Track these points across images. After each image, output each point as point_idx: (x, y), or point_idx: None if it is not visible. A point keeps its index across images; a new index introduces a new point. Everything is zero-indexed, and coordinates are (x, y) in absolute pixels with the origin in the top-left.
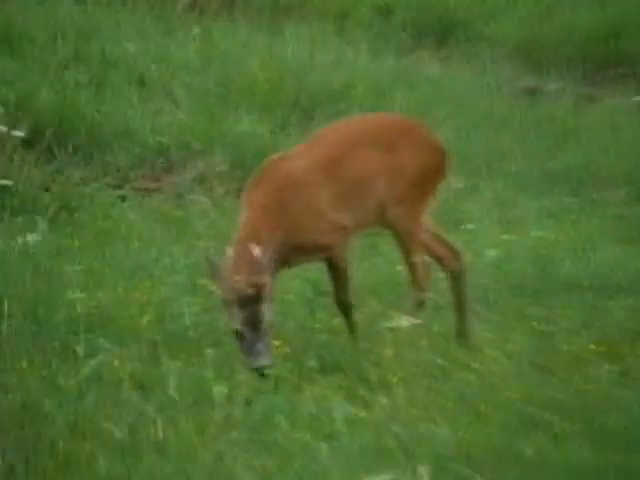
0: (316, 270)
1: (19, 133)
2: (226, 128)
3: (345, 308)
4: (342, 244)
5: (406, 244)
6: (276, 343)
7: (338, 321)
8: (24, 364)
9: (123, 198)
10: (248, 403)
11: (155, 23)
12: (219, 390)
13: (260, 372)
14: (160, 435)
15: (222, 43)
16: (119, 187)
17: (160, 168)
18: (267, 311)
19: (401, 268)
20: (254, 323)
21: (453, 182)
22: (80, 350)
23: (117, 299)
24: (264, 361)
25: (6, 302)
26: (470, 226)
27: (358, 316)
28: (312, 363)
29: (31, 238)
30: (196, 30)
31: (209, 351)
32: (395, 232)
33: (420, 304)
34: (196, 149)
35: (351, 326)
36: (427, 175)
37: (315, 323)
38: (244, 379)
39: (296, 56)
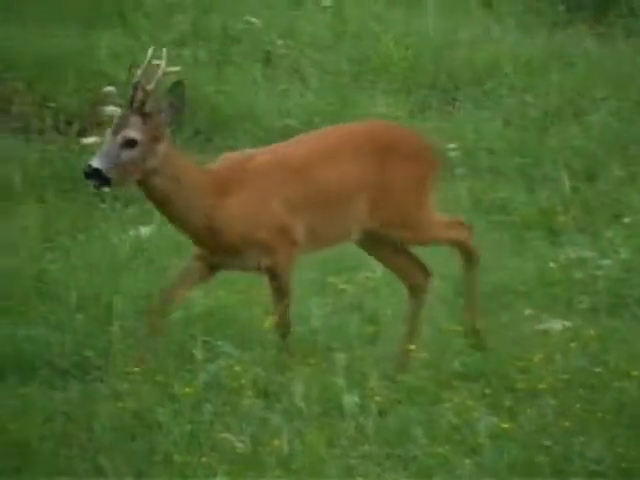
0: (456, 267)
1: None
2: (358, 110)
3: (281, 328)
4: (287, 253)
5: (433, 243)
6: (412, 348)
7: (481, 323)
8: (137, 369)
9: None
10: (382, 414)
11: None
12: (350, 399)
13: (85, 172)
14: (285, 448)
15: (355, 17)
16: None
17: None
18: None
19: (553, 265)
20: (118, 128)
21: (613, 170)
22: (198, 354)
23: (238, 298)
24: (94, 162)
25: (117, 301)
26: (629, 219)
27: (505, 318)
28: (452, 369)
29: (144, 231)
30: (327, 2)
31: (339, 356)
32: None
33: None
34: None
35: (287, 349)
36: (421, 183)
37: (456, 326)
38: (377, 387)
39: (436, 31)
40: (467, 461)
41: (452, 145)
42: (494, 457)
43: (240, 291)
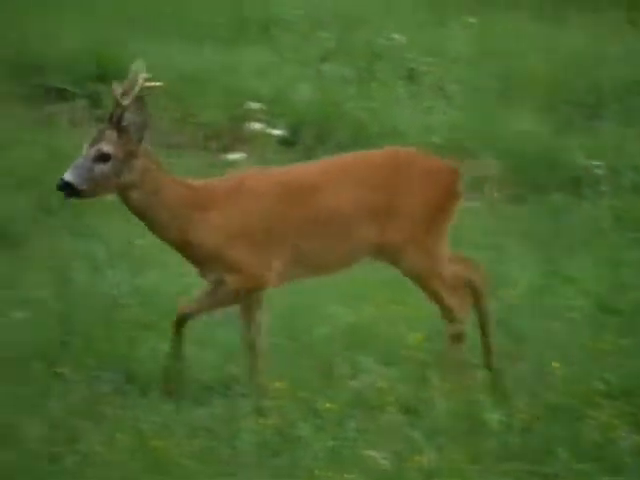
0: (600, 285)
1: (277, 131)
2: (502, 127)
3: (179, 320)
4: (251, 277)
5: (432, 288)
6: (556, 365)
7: (627, 341)
8: (281, 384)
9: None
10: (525, 431)
11: (427, 12)
12: (493, 416)
13: (57, 184)
14: (428, 464)
15: (500, 34)
16: None
17: None
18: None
19: None
20: (93, 141)
21: None
22: (341, 370)
23: (381, 314)
24: (66, 175)
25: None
26: None
27: None
28: (595, 387)
29: None
30: (472, 20)
31: (482, 373)
32: (416, 279)
33: (458, 337)
34: (470, 150)
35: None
36: (435, 209)
37: (601, 343)
38: (521, 405)
39: (582, 48)
40: (610, 479)
41: (596, 162)
42: (637, 475)
43: (383, 307)
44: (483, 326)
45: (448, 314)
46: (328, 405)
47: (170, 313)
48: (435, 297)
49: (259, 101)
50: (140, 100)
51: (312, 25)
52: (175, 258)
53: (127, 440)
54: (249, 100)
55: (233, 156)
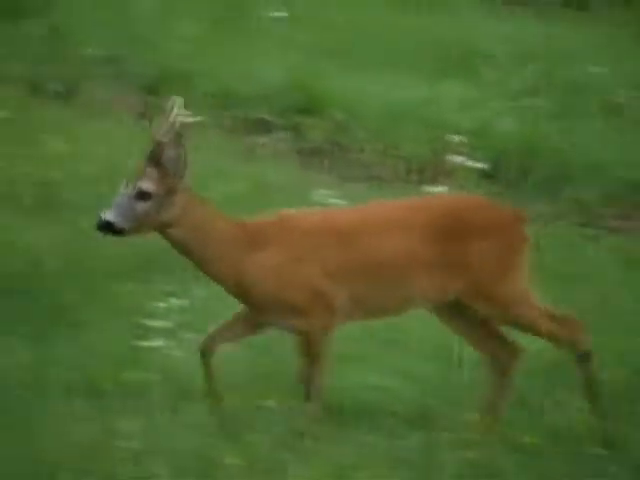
0: None
1: (478, 164)
2: None
3: (309, 392)
4: (322, 319)
5: (517, 324)
6: None
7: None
8: (479, 418)
9: (589, 237)
10: None
11: (629, 44)
12: None
13: (97, 223)
14: None
15: None
16: (585, 225)
17: (632, 206)
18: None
19: None
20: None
21: None
22: (541, 404)
23: None
24: (107, 214)
25: (463, 349)
26: None
27: None
28: None
29: None
30: None
31: None
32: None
33: (586, 358)
34: None
35: (307, 412)
36: (500, 257)
37: None
38: None
39: None
40: None
41: None
42: None
43: None
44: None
45: (557, 341)
46: (528, 439)
47: (383, 345)
48: (529, 330)
49: (460, 134)
50: (178, 136)
51: (519, 59)
52: None
53: (328, 471)
54: (450, 133)
55: (434, 189)
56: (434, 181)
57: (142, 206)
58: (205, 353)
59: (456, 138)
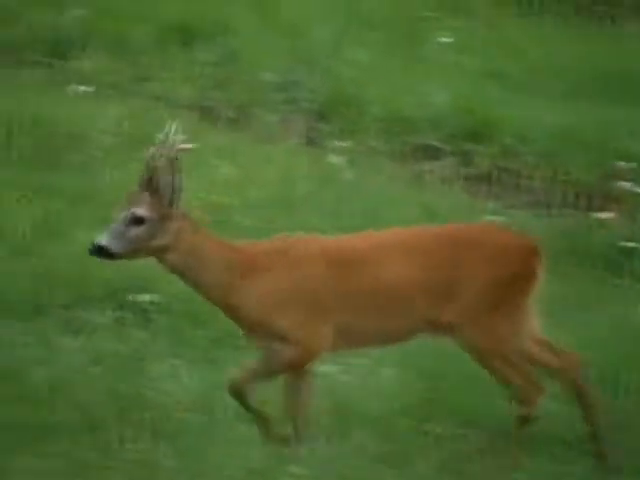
0: None
1: None
2: None
3: (232, 392)
4: (300, 352)
5: (492, 367)
6: None
7: None
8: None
9: None
10: None
11: None
12: None
13: (88, 249)
14: None
15: None
16: None
17: None
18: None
19: None
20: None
21: None
22: None
23: None
24: (99, 239)
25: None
26: None
27: None
28: None
29: None
30: None
31: None
32: (475, 356)
33: (524, 421)
34: None
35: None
36: (503, 289)
37: None
38: None
39: None
40: None
41: None
42: None
43: None
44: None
45: (515, 395)
46: None
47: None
48: (496, 376)
49: (629, 160)
50: (173, 162)
51: None
52: None
53: None
54: (619, 159)
55: (602, 215)
56: (602, 208)
57: (136, 231)
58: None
59: (625, 164)
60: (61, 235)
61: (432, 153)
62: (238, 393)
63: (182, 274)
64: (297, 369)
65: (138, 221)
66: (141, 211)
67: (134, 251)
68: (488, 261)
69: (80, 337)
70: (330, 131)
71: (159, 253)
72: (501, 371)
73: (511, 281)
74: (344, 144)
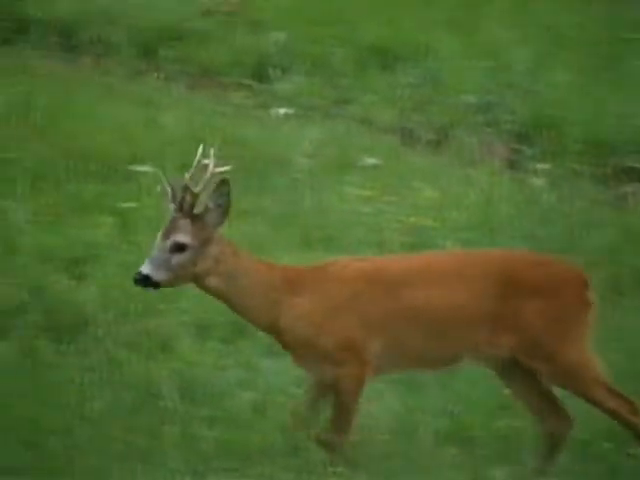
0: None
1: None
2: None
3: (329, 443)
4: (354, 370)
5: (581, 388)
6: None
7: None
8: None
9: None
10: None
11: None
12: None
13: (134, 279)
14: None
15: None
16: None
17: None
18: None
19: None
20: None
21: None
22: None
23: None
24: (144, 268)
25: None
26: None
27: None
28: None
29: None
30: None
31: None
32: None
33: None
34: None
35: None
36: (556, 318)
37: None
38: None
39: None
40: None
41: None
42: None
43: None
44: None
45: (617, 418)
46: None
47: None
48: (586, 398)
49: None
50: (224, 185)
51: None
52: None
53: None
54: None
55: None
56: None
57: (177, 258)
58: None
59: None
60: (263, 257)
61: (635, 175)
62: (331, 446)
63: (225, 298)
64: (345, 392)
65: (180, 248)
66: (183, 238)
67: (177, 278)
68: (540, 291)
69: (281, 359)
70: (531, 153)
71: (200, 278)
72: (584, 394)
73: (564, 311)
74: (545, 166)
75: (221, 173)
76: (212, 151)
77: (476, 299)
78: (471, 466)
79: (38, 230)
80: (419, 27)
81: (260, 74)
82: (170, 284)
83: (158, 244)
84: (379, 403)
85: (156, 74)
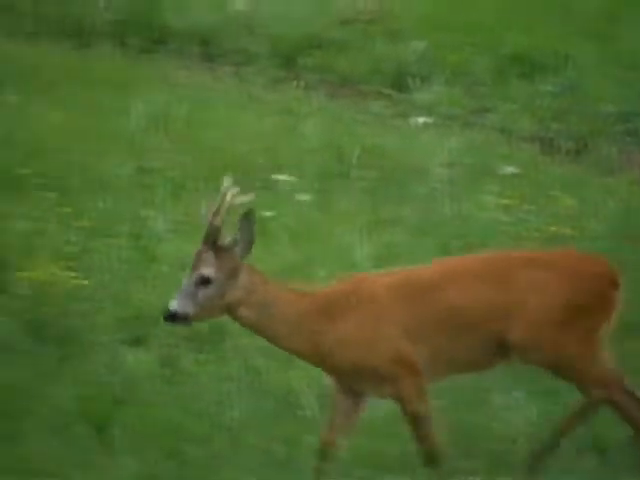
0: None
1: None
2: None
3: (429, 459)
4: (411, 382)
5: (579, 384)
6: None
7: None
8: None
9: None
10: None
11: None
12: None
13: (164, 316)
14: None
15: None
16: None
17: None
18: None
19: None
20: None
21: None
22: None
23: None
24: (173, 304)
25: None
26: None
27: None
28: None
29: None
30: None
31: None
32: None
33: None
34: None
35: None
36: (576, 311)
37: None
38: None
39: None
40: None
41: None
42: None
43: None
44: None
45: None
46: None
47: None
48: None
49: None
50: (249, 215)
51: None
52: None
53: None
54: None
55: None
56: None
57: (204, 292)
58: (326, 451)
59: None
60: (397, 266)
61: None
62: (433, 457)
63: (258, 328)
64: (412, 405)
65: (206, 282)
66: (207, 271)
67: (206, 312)
68: (562, 285)
69: None
70: None
71: (232, 310)
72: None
73: (585, 308)
74: None
75: (244, 203)
76: (230, 182)
77: (500, 296)
78: (609, 476)
79: (178, 239)
80: (559, 36)
81: (399, 83)
82: (200, 318)
83: (186, 278)
84: (518, 412)
85: (295, 83)
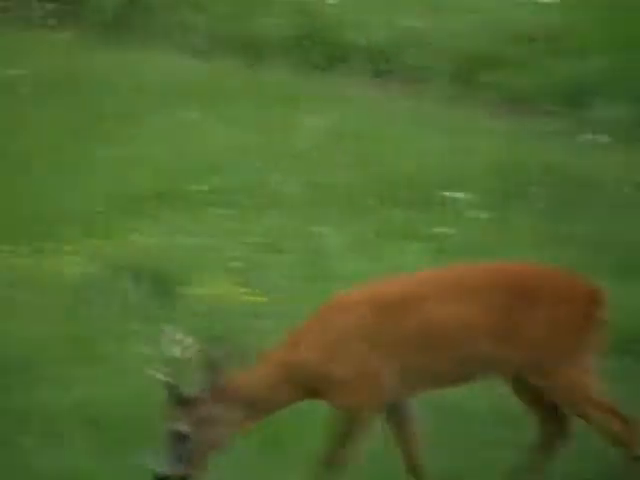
0: None
1: None
2: None
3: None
4: (368, 397)
5: (569, 405)
6: None
7: None
8: None
9: None
10: None
11: None
12: None
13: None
14: None
15: None
16: None
17: None
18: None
19: None
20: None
21: None
22: None
23: None
24: (161, 469)
25: None
26: None
27: None
28: None
29: None
30: None
31: None
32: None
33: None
34: None
35: None
36: (564, 333)
37: None
38: None
39: None
40: None
41: None
42: None
43: None
44: None
45: (611, 438)
46: None
47: None
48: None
49: None
50: (210, 366)
51: None
52: None
53: None
54: None
55: None
56: None
57: (186, 447)
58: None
59: None
60: None
61: None
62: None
63: (257, 422)
64: (359, 421)
65: (183, 437)
66: (180, 427)
67: (200, 459)
68: (545, 305)
69: None
70: None
71: (234, 431)
72: (594, 418)
73: (574, 328)
74: None
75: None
76: (168, 332)
77: (481, 312)
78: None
79: (352, 256)
80: None
81: (580, 101)
82: (200, 468)
83: (164, 441)
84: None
85: (470, 100)
